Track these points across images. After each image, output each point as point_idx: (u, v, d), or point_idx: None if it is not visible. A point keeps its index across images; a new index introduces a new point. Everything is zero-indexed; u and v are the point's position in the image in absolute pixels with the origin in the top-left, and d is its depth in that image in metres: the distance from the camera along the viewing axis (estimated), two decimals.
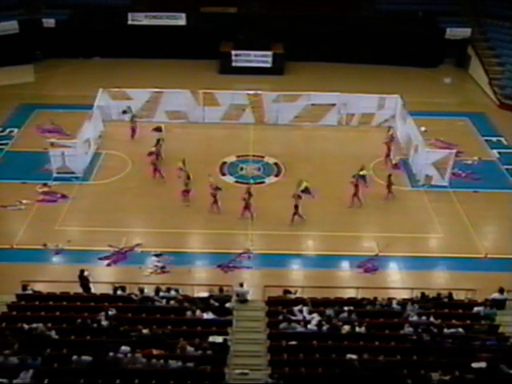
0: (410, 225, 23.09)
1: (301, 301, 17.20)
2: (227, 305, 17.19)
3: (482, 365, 14.61)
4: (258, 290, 18.45)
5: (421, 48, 37.01)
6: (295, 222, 22.77)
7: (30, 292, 17.70)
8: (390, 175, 24.25)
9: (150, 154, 25.55)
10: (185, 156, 26.05)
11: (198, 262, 21.09)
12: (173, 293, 17.66)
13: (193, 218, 23.18)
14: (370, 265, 20.90)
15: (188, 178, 23.73)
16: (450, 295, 17.95)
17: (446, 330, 16.04)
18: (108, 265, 20.73)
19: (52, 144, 25.40)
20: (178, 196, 23.83)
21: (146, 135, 27.67)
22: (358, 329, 16.00)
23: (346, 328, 15.96)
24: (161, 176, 25.33)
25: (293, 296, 17.78)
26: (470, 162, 27.26)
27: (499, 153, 28.28)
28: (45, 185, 24.77)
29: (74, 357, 14.50)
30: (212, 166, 26.29)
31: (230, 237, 22.16)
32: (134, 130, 28.43)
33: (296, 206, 22.61)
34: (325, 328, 16.01)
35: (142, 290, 17.46)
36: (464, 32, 37.17)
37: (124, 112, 29.01)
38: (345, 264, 21.20)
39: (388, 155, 26.87)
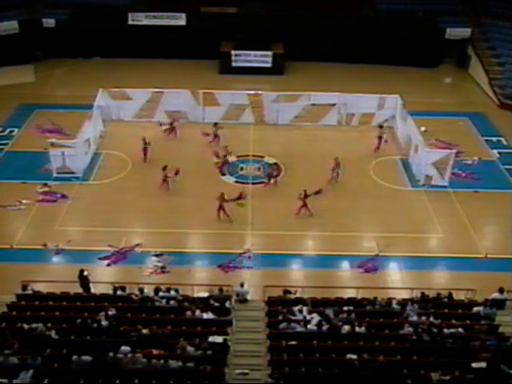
0: (410, 225, 23.08)
1: (301, 301, 17.20)
2: (227, 305, 17.20)
3: (482, 365, 14.61)
4: (258, 290, 18.45)
5: (421, 48, 37.02)
6: (222, 218, 22.82)
7: (30, 292, 17.70)
8: (305, 191, 22.93)
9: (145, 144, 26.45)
10: (185, 156, 26.25)
11: (198, 262, 21.09)
12: (173, 293, 17.67)
13: (193, 218, 23.18)
14: (370, 265, 20.89)
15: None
16: (449, 295, 17.96)
17: (445, 330, 16.04)
18: (108, 265, 20.72)
19: (52, 144, 25.38)
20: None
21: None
22: (357, 329, 16.00)
23: (346, 328, 15.97)
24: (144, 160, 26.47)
25: (293, 296, 17.79)
26: (469, 161, 27.25)
27: (499, 153, 28.28)
28: (45, 185, 24.77)
29: (74, 357, 14.51)
30: (212, 166, 26.28)
31: (229, 237, 22.16)
32: (173, 129, 28.60)
33: (221, 206, 22.71)
34: (325, 328, 16.01)
35: (141, 290, 17.46)
36: (464, 32, 37.19)
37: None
38: (345, 264, 21.20)
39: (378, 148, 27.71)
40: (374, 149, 27.70)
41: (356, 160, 26.95)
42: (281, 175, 25.82)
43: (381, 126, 28.20)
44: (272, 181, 25.20)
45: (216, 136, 27.91)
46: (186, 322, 16.48)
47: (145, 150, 26.48)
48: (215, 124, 28.16)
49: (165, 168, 24.44)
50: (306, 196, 22.89)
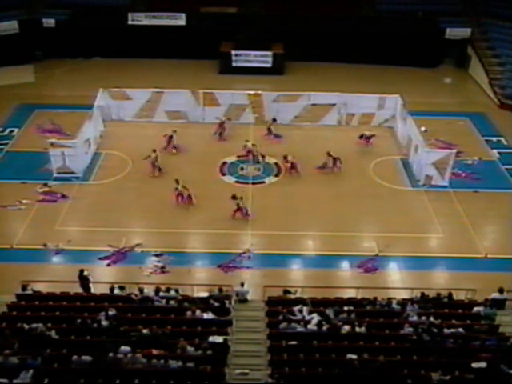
0: (410, 225, 23.07)
1: (301, 301, 17.20)
2: (227, 305, 17.20)
3: (482, 365, 14.62)
4: (258, 290, 18.46)
5: (421, 48, 37.02)
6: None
7: (30, 292, 17.70)
8: (235, 196, 23.10)
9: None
10: (185, 156, 26.20)
11: (198, 262, 21.09)
12: (173, 293, 17.68)
13: (193, 218, 23.18)
14: (370, 265, 20.88)
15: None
16: (449, 295, 17.96)
17: (446, 330, 16.04)
18: (108, 265, 20.72)
19: (52, 144, 25.39)
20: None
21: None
22: (358, 329, 16.01)
23: (346, 328, 15.98)
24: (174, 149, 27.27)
25: (293, 296, 17.79)
26: (469, 161, 27.24)
27: (499, 153, 28.27)
28: (45, 185, 24.77)
29: (74, 357, 14.52)
30: (212, 166, 26.30)
31: (229, 237, 22.16)
32: (223, 129, 28.80)
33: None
34: (325, 328, 16.02)
35: (141, 290, 17.46)
36: (464, 32, 37.19)
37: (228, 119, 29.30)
38: (345, 264, 21.19)
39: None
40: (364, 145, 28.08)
41: (356, 160, 26.95)
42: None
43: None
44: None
45: (269, 130, 28.39)
46: (186, 321, 16.49)
47: (170, 140, 27.16)
48: (274, 120, 28.77)
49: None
50: (234, 198, 22.90)
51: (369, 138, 28.12)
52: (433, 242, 22.60)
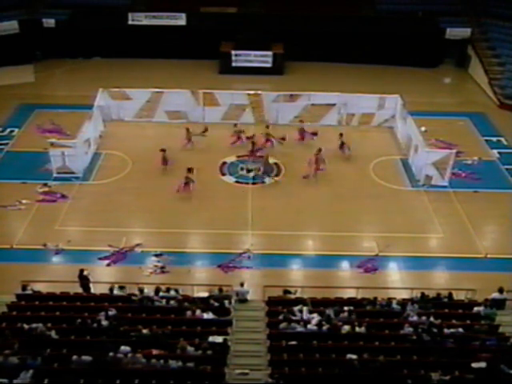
0: (410, 225, 23.07)
1: (301, 301, 17.21)
2: (227, 305, 17.20)
3: (482, 365, 14.62)
4: (258, 290, 18.45)
5: (421, 48, 37.02)
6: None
7: (29, 292, 17.71)
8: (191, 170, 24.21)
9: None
10: (185, 156, 26.17)
11: (198, 262, 21.08)
12: (173, 293, 17.68)
13: (193, 218, 23.19)
14: (370, 265, 20.88)
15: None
16: (449, 295, 17.96)
17: (446, 330, 16.04)
18: (108, 265, 20.72)
19: (52, 144, 25.39)
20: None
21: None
22: (358, 329, 16.01)
23: (346, 328, 15.98)
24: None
25: (293, 296, 17.79)
26: (469, 162, 27.24)
27: (499, 153, 28.27)
28: (45, 185, 24.77)
29: (74, 357, 14.52)
30: (212, 166, 26.30)
31: (230, 237, 22.15)
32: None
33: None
34: (325, 328, 16.02)
35: (141, 290, 17.46)
36: (464, 32, 37.19)
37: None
38: (345, 264, 21.18)
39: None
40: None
41: (356, 160, 26.94)
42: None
43: (341, 134, 27.58)
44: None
45: (342, 139, 27.33)
46: (186, 322, 16.49)
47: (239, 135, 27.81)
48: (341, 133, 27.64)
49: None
50: (189, 171, 23.89)
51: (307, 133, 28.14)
52: (433, 242, 22.59)
